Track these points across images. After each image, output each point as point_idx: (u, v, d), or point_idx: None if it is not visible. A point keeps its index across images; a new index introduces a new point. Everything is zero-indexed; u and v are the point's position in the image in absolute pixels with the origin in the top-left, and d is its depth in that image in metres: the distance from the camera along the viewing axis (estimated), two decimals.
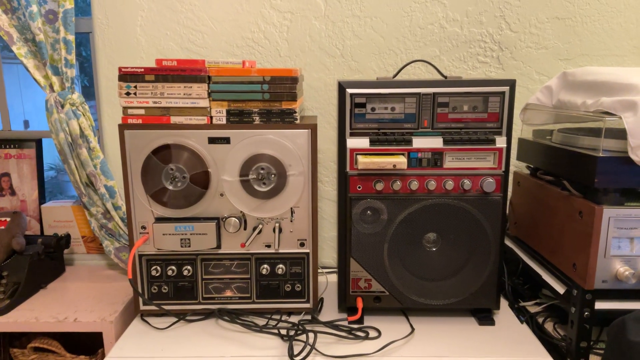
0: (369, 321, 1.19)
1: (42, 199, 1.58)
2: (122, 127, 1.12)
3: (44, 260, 1.39)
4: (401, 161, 1.09)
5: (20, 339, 1.33)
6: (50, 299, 1.32)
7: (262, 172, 1.13)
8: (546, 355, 1.06)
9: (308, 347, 1.05)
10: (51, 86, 1.37)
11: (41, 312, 1.24)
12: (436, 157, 1.12)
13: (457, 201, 1.12)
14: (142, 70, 1.10)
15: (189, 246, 1.15)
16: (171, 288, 1.20)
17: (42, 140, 1.58)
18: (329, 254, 1.57)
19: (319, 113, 1.47)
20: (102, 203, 1.42)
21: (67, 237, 1.47)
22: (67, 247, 1.47)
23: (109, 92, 1.49)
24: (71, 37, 1.35)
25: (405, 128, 1.12)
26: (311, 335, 1.10)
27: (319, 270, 1.50)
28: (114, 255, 1.46)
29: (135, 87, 1.11)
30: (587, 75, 1.15)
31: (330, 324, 1.15)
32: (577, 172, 1.05)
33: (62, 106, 1.36)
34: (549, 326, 1.18)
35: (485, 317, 1.19)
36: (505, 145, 1.11)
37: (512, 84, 1.10)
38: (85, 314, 1.23)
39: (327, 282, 1.43)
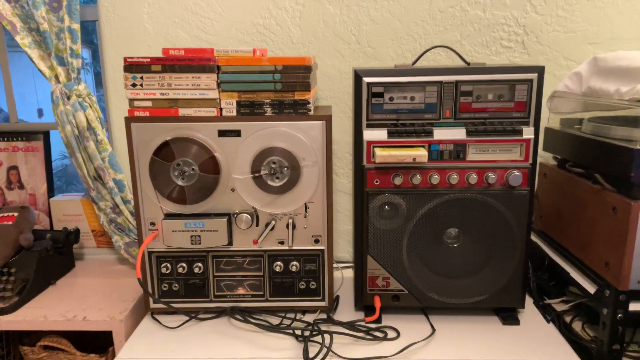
0: (387, 320, 1.14)
1: (50, 192, 1.54)
2: (129, 120, 1.07)
3: (53, 256, 1.36)
4: (421, 154, 1.03)
5: (30, 336, 1.30)
6: (59, 296, 1.29)
7: (274, 166, 1.08)
8: (575, 357, 1.00)
9: (324, 349, 1.01)
10: (57, 77, 1.33)
11: (50, 310, 1.21)
12: (459, 149, 1.06)
13: (481, 196, 1.06)
14: (149, 60, 1.05)
15: (199, 243, 1.11)
16: (182, 286, 1.16)
17: (49, 132, 1.54)
18: (344, 247, 1.52)
19: (333, 102, 1.41)
20: (111, 197, 1.38)
21: (77, 231, 1.44)
22: (76, 242, 1.44)
23: (116, 82, 1.44)
24: (76, 26, 1.30)
25: (426, 119, 1.06)
26: (327, 336, 1.05)
27: (334, 265, 1.45)
28: (123, 251, 1.42)
29: (142, 78, 1.06)
30: (620, 61, 1.07)
31: (346, 325, 1.10)
32: (610, 164, 0.99)
33: (68, 98, 1.32)
34: (577, 326, 1.12)
35: (509, 316, 1.14)
36: (532, 137, 1.04)
37: (540, 70, 1.02)
38: (95, 312, 1.20)
39: (343, 277, 1.39)
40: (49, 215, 1.53)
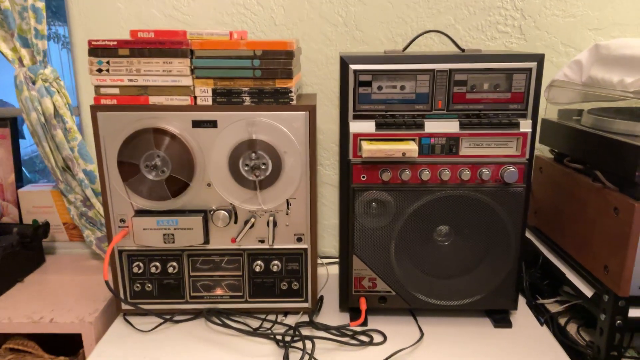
0: (373, 322, 1.08)
1: (19, 182, 1.45)
2: (95, 109, 0.99)
3: (20, 252, 1.28)
4: (411, 148, 0.95)
5: None
6: (26, 295, 1.22)
7: (254, 159, 1.00)
8: None
9: (306, 356, 0.95)
10: (20, 60, 1.23)
11: (15, 311, 1.14)
12: (451, 143, 0.98)
13: (474, 193, 0.99)
14: (115, 43, 0.96)
15: (173, 242, 1.04)
16: (155, 286, 1.09)
17: (17, 118, 1.45)
18: (330, 242, 1.45)
19: (318, 89, 1.33)
20: (81, 189, 1.30)
21: (45, 225, 1.35)
22: (45, 236, 1.36)
23: (87, 65, 1.34)
24: (41, 4, 1.20)
25: (417, 110, 0.98)
26: (309, 341, 0.99)
27: (319, 261, 1.38)
28: (95, 246, 1.34)
29: (108, 62, 0.97)
30: (624, 49, 1.00)
31: (329, 329, 1.04)
32: (612, 161, 0.92)
33: (34, 82, 1.23)
34: (571, 328, 1.07)
35: (501, 318, 1.08)
36: (530, 130, 0.97)
37: (540, 59, 0.95)
38: (63, 313, 1.13)
39: (328, 274, 1.32)
40: (18, 207, 1.45)
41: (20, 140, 1.49)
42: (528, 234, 1.25)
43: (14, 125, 1.44)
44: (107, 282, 0.97)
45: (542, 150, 1.25)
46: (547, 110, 1.22)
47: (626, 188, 0.89)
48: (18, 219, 1.45)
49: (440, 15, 1.26)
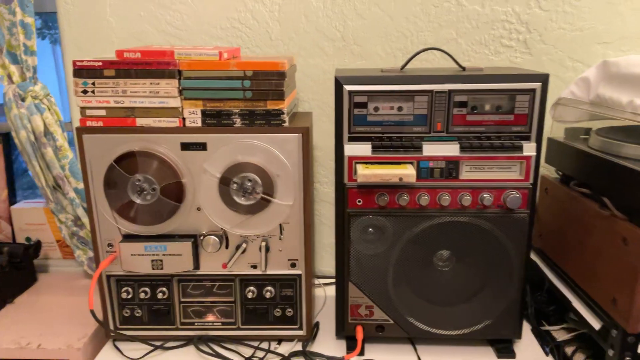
0: (370, 351, 1.04)
1: (12, 198, 1.43)
2: (80, 131, 0.95)
3: (10, 272, 1.25)
4: (409, 173, 0.91)
5: None
6: (15, 317, 1.19)
7: (245, 183, 0.97)
8: None
9: None
10: (9, 77, 1.20)
11: (3, 336, 1.11)
12: (451, 166, 0.94)
13: (475, 219, 0.95)
14: (101, 64, 0.92)
15: (162, 268, 1.00)
16: (145, 312, 1.05)
17: (9, 134, 1.42)
18: (329, 262, 1.41)
19: (315, 105, 1.29)
20: (73, 208, 1.27)
21: (37, 245, 1.33)
22: (37, 256, 1.33)
23: None
24: (30, 20, 1.17)
25: (415, 132, 0.94)
26: None
27: (317, 282, 1.34)
28: (87, 266, 1.31)
29: (93, 83, 0.93)
30: (635, 67, 0.96)
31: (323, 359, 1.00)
32: (621, 189, 0.87)
33: (23, 100, 1.20)
34: (578, 359, 1.02)
35: (504, 348, 1.04)
36: (534, 154, 0.93)
37: (544, 79, 0.90)
38: (51, 338, 1.10)
39: (326, 296, 1.28)
40: (11, 224, 1.42)
41: None
42: (533, 257, 1.20)
43: (6, 141, 1.41)
44: (92, 312, 0.94)
45: (549, 169, 1.20)
46: (554, 128, 1.17)
47: (636, 217, 0.84)
48: (11, 236, 1.43)
49: (442, 29, 1.22)
